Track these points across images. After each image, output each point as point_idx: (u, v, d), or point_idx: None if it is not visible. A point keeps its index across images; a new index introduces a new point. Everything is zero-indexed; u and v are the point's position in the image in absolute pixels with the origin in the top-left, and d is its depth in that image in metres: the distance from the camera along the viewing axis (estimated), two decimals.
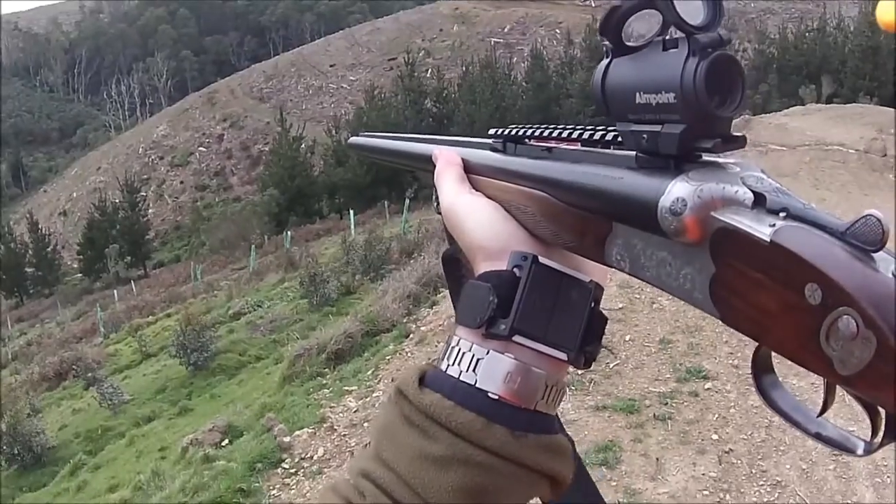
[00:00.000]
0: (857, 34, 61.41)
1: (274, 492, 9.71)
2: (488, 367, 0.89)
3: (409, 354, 12.87)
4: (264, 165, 77.15)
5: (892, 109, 36.13)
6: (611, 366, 9.77)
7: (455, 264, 1.14)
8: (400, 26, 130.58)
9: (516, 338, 0.89)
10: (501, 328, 0.89)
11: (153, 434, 17.53)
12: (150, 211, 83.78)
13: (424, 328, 13.85)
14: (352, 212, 45.03)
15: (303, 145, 70.26)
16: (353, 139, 1.61)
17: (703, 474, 7.49)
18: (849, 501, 6.96)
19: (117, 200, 75.75)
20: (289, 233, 47.76)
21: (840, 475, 7.18)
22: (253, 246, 46.48)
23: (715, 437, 8.09)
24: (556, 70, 73.91)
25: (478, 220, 1.00)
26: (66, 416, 22.74)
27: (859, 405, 0.68)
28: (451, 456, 0.84)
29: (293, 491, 9.63)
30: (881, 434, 0.68)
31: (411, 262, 20.87)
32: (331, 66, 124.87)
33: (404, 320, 15.08)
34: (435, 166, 1.14)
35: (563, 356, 0.91)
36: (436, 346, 12.60)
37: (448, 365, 0.91)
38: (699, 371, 9.37)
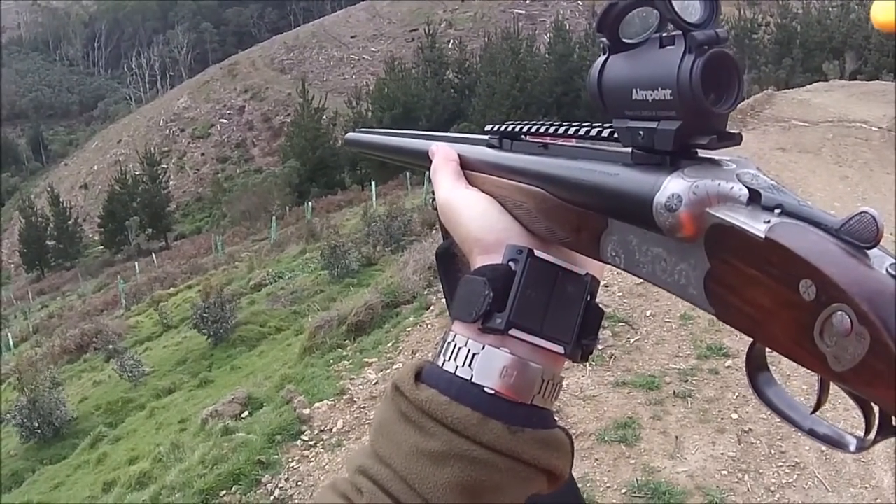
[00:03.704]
0: None
1: (293, 464, 9.70)
2: (484, 362, 0.89)
3: (429, 326, 12.85)
4: (286, 137, 77.43)
5: None
6: (631, 341, 9.69)
7: (450, 259, 1.16)
8: None
9: (512, 332, 0.89)
10: (497, 322, 0.89)
11: (173, 406, 17.69)
12: (170, 183, 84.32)
13: (445, 300, 13.77)
14: (373, 183, 45.42)
15: (324, 117, 70.54)
16: (350, 135, 1.62)
17: (722, 454, 7.45)
18: (867, 485, 6.93)
19: (138, 173, 76.27)
20: (310, 204, 48.09)
21: (859, 459, 7.13)
22: (274, 217, 46.69)
23: (735, 416, 8.03)
24: (578, 42, 73.51)
25: (473, 213, 1.01)
26: (87, 389, 23.13)
27: (853, 401, 0.68)
28: (448, 451, 0.84)
29: (312, 463, 9.63)
30: (874, 431, 0.68)
31: (433, 233, 20.90)
32: (352, 37, 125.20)
33: (425, 292, 15.08)
34: (431, 162, 1.15)
35: (560, 350, 0.91)
36: None
37: (444, 360, 0.91)
38: (720, 348, 9.29)
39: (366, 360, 12.31)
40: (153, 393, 19.46)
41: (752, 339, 0.76)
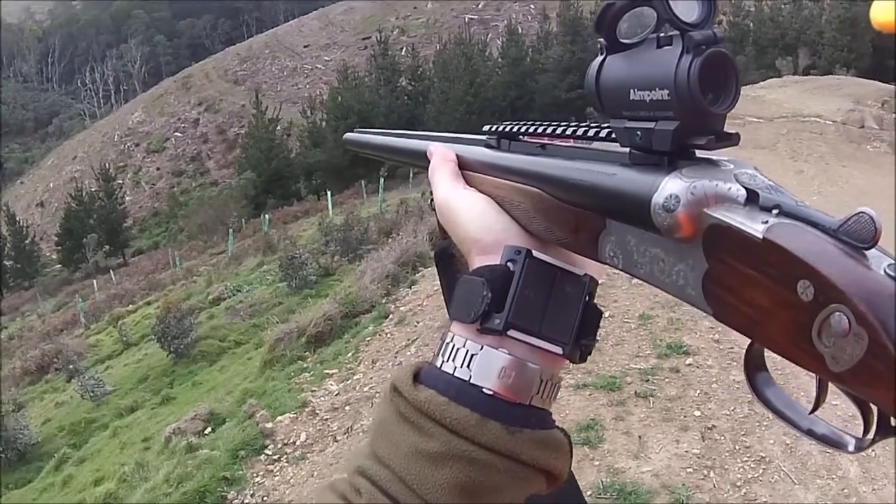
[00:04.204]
0: (835, 5, 61.39)
1: (258, 479, 9.75)
2: (482, 363, 0.88)
3: (388, 335, 12.90)
4: (241, 149, 77.14)
5: (869, 81, 36.28)
6: None
7: (448, 259, 1.15)
8: (374, 5, 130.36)
9: (511, 332, 0.89)
10: (496, 323, 0.89)
11: (136, 424, 17.54)
12: (127, 198, 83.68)
13: (404, 308, 13.90)
14: (329, 192, 45.22)
15: (279, 127, 70.53)
16: (348, 135, 1.62)
17: (687, 451, 7.44)
18: (834, 476, 6.95)
19: (94, 189, 75.66)
20: (266, 216, 47.95)
21: (824, 450, 7.00)
22: (231, 230, 46.47)
23: (697, 413, 8.04)
24: (531, 45, 73.78)
25: (471, 214, 1.01)
26: (50, 410, 22.88)
27: (851, 402, 0.68)
28: (446, 452, 0.84)
29: (277, 477, 9.67)
30: (873, 431, 0.68)
31: (389, 241, 20.89)
32: (305, 46, 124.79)
33: (383, 301, 15.11)
34: (429, 162, 1.15)
35: (559, 350, 0.91)
36: (415, 326, 12.66)
37: (443, 361, 0.91)
38: (680, 347, 9.32)
39: (326, 371, 12.36)
40: (116, 412, 19.28)
41: (749, 340, 0.76)
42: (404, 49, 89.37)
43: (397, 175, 51.27)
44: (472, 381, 0.87)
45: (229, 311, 24.25)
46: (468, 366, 0.88)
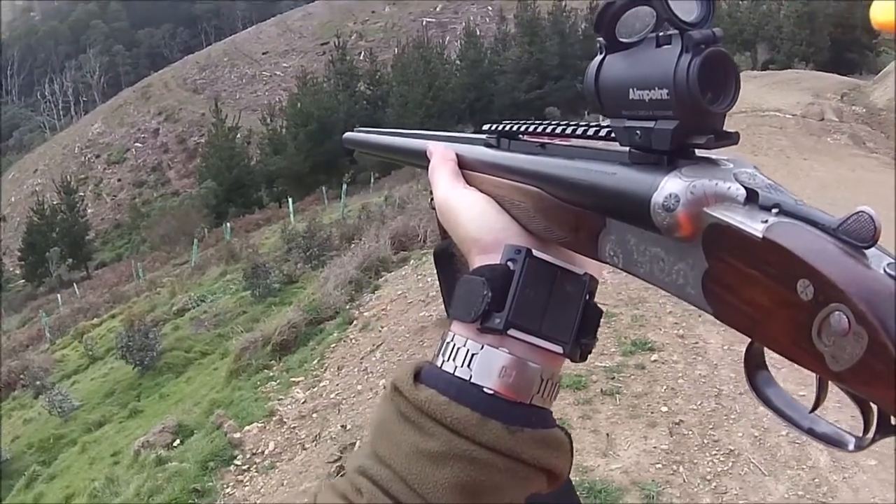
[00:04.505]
0: (793, 1, 61.67)
1: (228, 489, 9.72)
2: (483, 362, 0.89)
3: (353, 341, 12.86)
4: (201, 157, 76.54)
5: (828, 74, 36.49)
6: None
7: (448, 259, 1.17)
8: (332, 10, 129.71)
9: (511, 332, 0.90)
10: (496, 322, 0.90)
11: (105, 439, 17.43)
12: (89, 211, 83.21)
13: (368, 314, 13.86)
14: (290, 199, 44.98)
15: (239, 135, 70.20)
16: (348, 135, 1.63)
17: (655, 447, 7.39)
18: (804, 466, 6.93)
19: (55, 202, 75.01)
20: (228, 224, 47.76)
21: (793, 440, 7.16)
22: (196, 240, 46.23)
23: (665, 409, 7.99)
24: (489, 47, 73.89)
25: (471, 213, 1.02)
26: (18, 427, 22.68)
27: (851, 401, 0.69)
28: (447, 452, 0.85)
29: (247, 487, 9.64)
30: (873, 429, 0.69)
31: (352, 247, 20.83)
32: (263, 53, 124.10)
33: (347, 307, 15.05)
34: (429, 161, 1.16)
35: (559, 349, 0.92)
36: (380, 331, 12.61)
37: (443, 360, 0.92)
38: (645, 343, 9.24)
39: (293, 379, 12.33)
40: (84, 427, 19.14)
41: (750, 339, 0.77)
42: (362, 54, 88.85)
43: (358, 180, 51.26)
44: (472, 380, 0.88)
45: (194, 321, 24.15)
46: (469, 365, 0.89)
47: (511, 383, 0.88)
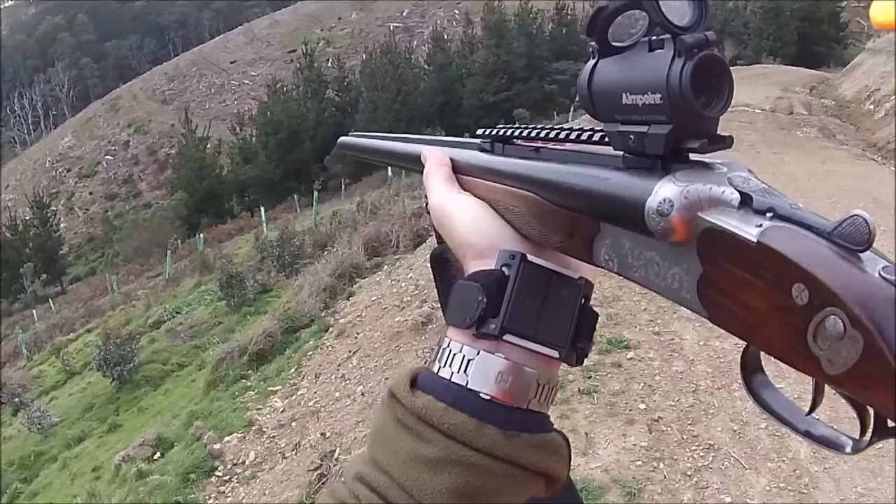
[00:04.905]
0: None
1: (211, 501, 9.74)
2: (479, 368, 0.89)
3: (329, 348, 12.87)
4: (172, 169, 75.93)
5: (796, 68, 36.57)
6: None
7: (444, 264, 1.14)
8: (299, 17, 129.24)
9: (507, 337, 0.90)
10: (491, 328, 0.89)
11: (85, 454, 17.36)
12: (61, 225, 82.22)
13: (343, 320, 13.85)
14: (262, 208, 44.59)
15: (209, 145, 69.72)
16: (343, 139, 1.62)
17: (635, 445, 7.35)
18: (784, 458, 6.95)
19: (27, 218, 74.44)
20: (201, 235, 47.39)
21: (773, 433, 7.15)
22: (169, 252, 46.01)
23: (642, 406, 7.94)
24: (457, 51, 73.77)
25: (466, 218, 1.01)
26: None
27: (848, 404, 0.70)
28: (445, 457, 0.84)
29: (229, 498, 9.67)
30: (869, 432, 0.69)
31: (325, 254, 20.78)
32: (231, 62, 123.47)
33: (322, 314, 15.05)
34: (424, 166, 1.15)
35: (555, 354, 0.92)
36: (356, 337, 12.59)
37: (440, 366, 0.92)
38: (620, 341, 9.16)
39: (270, 388, 12.29)
40: (64, 443, 19.03)
41: (745, 343, 0.76)
42: (330, 60, 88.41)
43: (329, 187, 51.10)
44: (469, 386, 0.88)
45: (170, 333, 24.03)
46: (465, 371, 0.89)
47: (507, 388, 0.89)
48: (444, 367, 0.91)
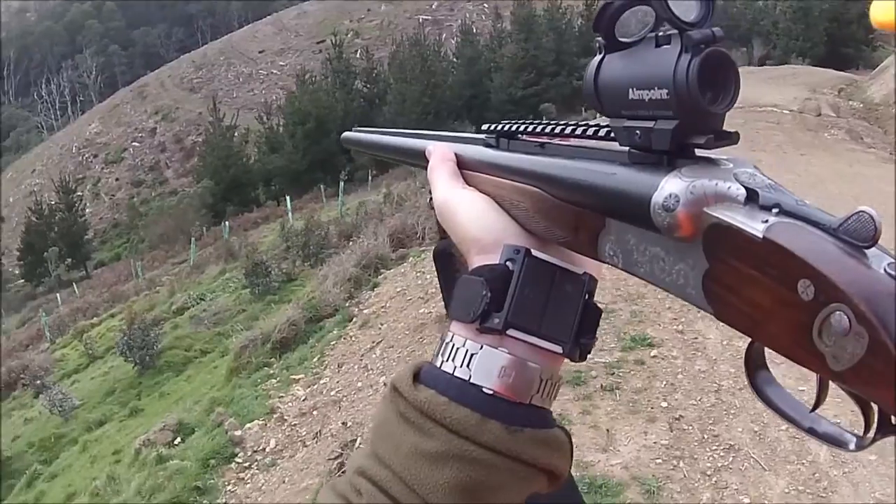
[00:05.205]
0: None
1: (230, 487, 9.74)
2: (482, 362, 0.89)
3: (353, 339, 12.88)
4: (198, 157, 75.95)
5: (824, 69, 36.42)
6: None
7: (448, 259, 1.15)
8: (327, 8, 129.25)
9: (510, 332, 0.90)
10: (495, 322, 0.89)
11: (106, 438, 17.40)
12: (87, 210, 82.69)
13: (367, 311, 13.87)
14: (288, 198, 44.61)
15: (236, 134, 69.97)
16: (347, 134, 1.64)
17: (655, 443, 7.37)
18: (804, 461, 6.92)
19: (53, 202, 74.75)
20: (227, 223, 47.48)
21: (793, 436, 7.12)
22: (193, 239, 46.07)
23: (664, 404, 7.97)
24: (485, 44, 73.67)
25: (470, 213, 1.01)
26: (19, 427, 22.60)
27: (852, 400, 0.69)
28: (447, 452, 0.84)
29: (249, 485, 9.67)
30: (874, 429, 0.69)
31: (350, 244, 20.82)
32: (259, 52, 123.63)
33: (346, 304, 15.05)
34: (428, 161, 1.15)
35: (558, 349, 0.92)
36: (380, 328, 12.61)
37: (443, 361, 0.91)
38: (644, 339, 9.21)
39: (293, 376, 12.29)
40: (85, 426, 19.08)
41: (750, 339, 0.76)
42: (359, 52, 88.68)
43: (356, 178, 51.16)
44: (471, 380, 0.88)
45: (193, 320, 24.06)
46: (468, 365, 0.89)
47: (510, 383, 0.88)
48: (447, 361, 0.91)
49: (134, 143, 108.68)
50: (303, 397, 11.37)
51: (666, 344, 9.14)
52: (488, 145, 1.11)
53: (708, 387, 8.16)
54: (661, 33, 0.77)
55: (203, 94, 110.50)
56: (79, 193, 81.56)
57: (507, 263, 0.92)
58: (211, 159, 66.40)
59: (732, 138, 0.78)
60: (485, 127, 1.12)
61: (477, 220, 1.00)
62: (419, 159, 1.22)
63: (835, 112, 26.73)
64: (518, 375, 0.88)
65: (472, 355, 0.89)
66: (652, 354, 8.95)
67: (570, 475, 1.06)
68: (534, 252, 0.93)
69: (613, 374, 8.61)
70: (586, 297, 0.95)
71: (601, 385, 8.43)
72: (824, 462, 6.86)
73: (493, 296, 0.89)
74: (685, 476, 6.95)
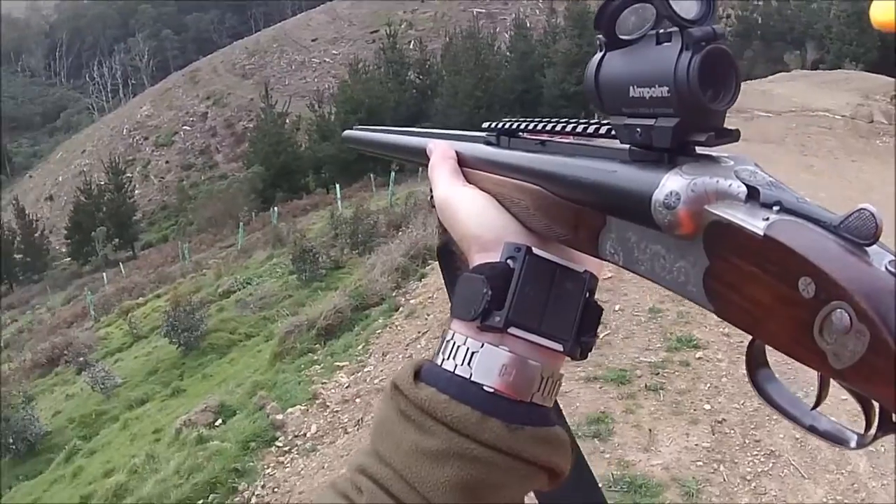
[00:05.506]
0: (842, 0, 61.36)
1: (269, 470, 9.79)
2: (483, 360, 0.88)
3: (398, 328, 12.92)
4: (249, 142, 76.90)
5: (877, 75, 36.13)
6: (601, 336, 9.47)
7: (450, 256, 1.15)
8: None
9: (511, 330, 0.89)
10: (496, 320, 0.89)
11: (146, 417, 17.52)
12: (136, 192, 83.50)
13: (413, 301, 13.91)
14: (338, 186, 44.94)
15: (287, 121, 70.30)
16: (347, 132, 1.64)
17: (696, 445, 7.43)
18: (843, 471, 6.93)
19: (102, 183, 75.62)
20: (275, 209, 47.66)
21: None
22: (241, 223, 46.36)
23: (707, 406, 8.00)
24: (539, 39, 73.89)
25: (471, 211, 1.01)
26: (60, 403, 22.86)
27: (853, 398, 0.68)
28: (447, 450, 0.84)
29: (288, 469, 9.69)
30: (875, 427, 0.68)
31: (399, 234, 20.98)
32: (313, 40, 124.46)
33: (393, 293, 15.18)
34: (429, 159, 1.14)
35: (559, 347, 0.91)
36: (426, 318, 12.63)
37: (443, 359, 0.91)
38: (690, 340, 9.25)
39: (337, 363, 12.37)
40: (126, 404, 19.26)
41: (751, 337, 0.76)
42: (412, 43, 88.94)
43: (406, 169, 51.28)
44: (472, 378, 0.88)
45: (239, 303, 24.20)
46: (469, 363, 0.89)
47: (511, 382, 0.88)
48: (448, 359, 0.91)
49: (185, 127, 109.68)
50: (346, 384, 11.41)
51: (711, 346, 9.18)
52: (489, 143, 1.11)
53: (751, 391, 7.91)
54: (661, 31, 0.77)
55: (255, 81, 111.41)
56: (128, 175, 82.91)
57: (508, 261, 0.93)
58: (261, 145, 66.82)
59: (733, 136, 0.77)
60: (485, 125, 1.13)
61: (477, 217, 1.00)
62: (420, 157, 1.23)
63: (887, 119, 26.57)
64: (519, 373, 0.89)
65: (472, 353, 0.90)
66: (697, 356, 8.99)
67: (591, 473, 1.13)
68: (534, 250, 0.93)
69: (658, 374, 8.70)
70: (587, 295, 0.95)
71: (645, 384, 8.53)
72: (864, 473, 6.92)
73: (493, 294, 0.90)
74: (725, 480, 6.99)
